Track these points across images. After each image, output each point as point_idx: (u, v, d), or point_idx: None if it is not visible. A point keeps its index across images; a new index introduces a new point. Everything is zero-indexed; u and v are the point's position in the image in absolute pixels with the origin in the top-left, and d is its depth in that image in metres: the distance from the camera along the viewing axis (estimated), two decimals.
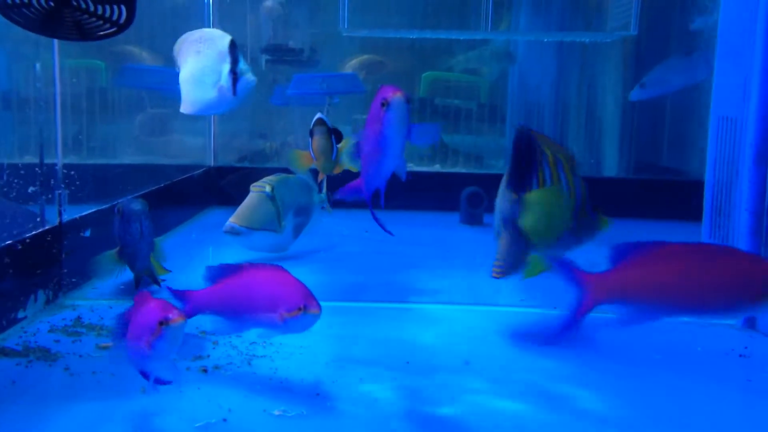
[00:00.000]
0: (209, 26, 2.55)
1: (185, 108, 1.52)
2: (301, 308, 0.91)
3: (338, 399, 0.98)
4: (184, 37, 1.53)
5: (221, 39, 1.48)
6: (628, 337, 1.27)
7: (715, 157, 1.49)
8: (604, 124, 2.77)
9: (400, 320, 1.34)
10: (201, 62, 1.47)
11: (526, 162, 1.20)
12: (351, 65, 2.87)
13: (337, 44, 2.76)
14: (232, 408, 0.93)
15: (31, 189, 1.37)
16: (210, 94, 1.47)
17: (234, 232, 1.68)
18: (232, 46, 1.44)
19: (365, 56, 2.88)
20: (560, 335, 1.10)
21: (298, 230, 1.81)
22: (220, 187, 2.46)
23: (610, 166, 2.77)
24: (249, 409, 0.94)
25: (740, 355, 1.19)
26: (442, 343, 1.21)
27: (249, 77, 1.44)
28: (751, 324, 1.32)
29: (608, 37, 2.45)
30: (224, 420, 0.90)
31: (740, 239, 1.34)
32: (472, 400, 0.99)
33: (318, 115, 1.63)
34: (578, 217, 1.20)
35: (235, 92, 1.44)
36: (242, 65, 1.45)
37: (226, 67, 1.45)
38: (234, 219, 1.70)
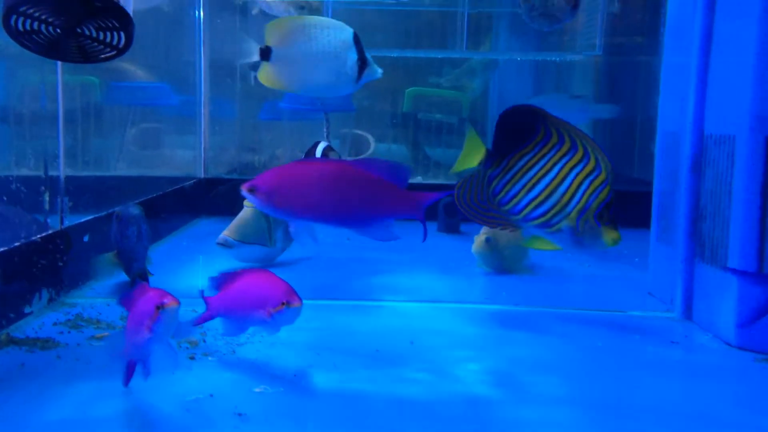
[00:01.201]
0: (200, 43, 2.68)
1: (294, 87, 1.63)
2: (284, 303, 1.05)
3: (313, 380, 1.11)
4: (282, 20, 1.64)
5: (343, 30, 1.60)
6: (574, 329, 1.40)
7: (661, 167, 1.64)
8: None
9: (374, 316, 1.47)
10: (322, 47, 1.58)
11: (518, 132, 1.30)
12: None
13: None
14: (218, 386, 1.06)
15: (36, 198, 1.50)
16: (330, 77, 1.59)
17: (227, 245, 1.81)
18: (357, 37, 1.57)
19: None
20: None
21: (286, 243, 1.93)
22: (210, 198, 2.59)
23: None
24: (233, 387, 1.07)
25: (672, 342, 1.33)
26: (410, 335, 1.34)
27: (376, 68, 1.58)
28: (688, 316, 1.46)
29: (576, 56, 2.62)
30: (211, 395, 1.03)
31: (679, 241, 1.48)
32: (431, 383, 1.12)
33: (322, 145, 1.76)
34: (582, 219, 1.26)
35: (359, 79, 1.57)
36: (369, 56, 1.57)
37: (353, 56, 1.57)
38: (227, 232, 1.83)
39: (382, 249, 2.16)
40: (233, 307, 1.12)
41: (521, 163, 1.32)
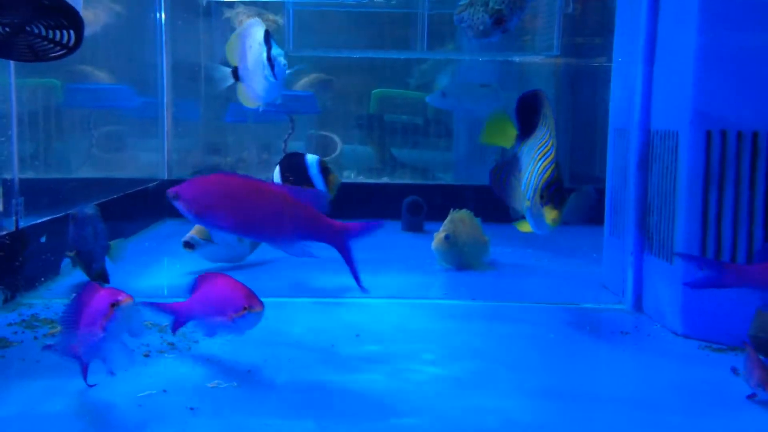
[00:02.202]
0: (162, 45, 2.67)
1: (249, 103, 1.61)
2: (246, 308, 1.06)
3: (268, 373, 1.12)
4: (235, 34, 1.63)
5: (258, 31, 1.58)
6: (528, 322, 1.44)
7: (612, 163, 1.69)
8: None
9: (333, 312, 1.49)
10: (251, 56, 1.57)
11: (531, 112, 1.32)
12: (301, 84, 3.01)
13: (292, 62, 2.92)
14: (172, 381, 1.07)
15: None
16: (262, 84, 1.57)
17: (193, 242, 1.81)
18: (267, 35, 1.55)
19: (315, 75, 3.03)
20: None
21: (255, 244, 1.92)
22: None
23: None
24: (187, 383, 1.07)
25: (621, 332, 1.37)
26: (365, 329, 1.36)
27: (281, 60, 1.55)
28: (638, 307, 1.50)
29: (535, 57, 2.67)
30: (164, 391, 1.03)
31: (629, 234, 1.53)
32: (383, 374, 1.14)
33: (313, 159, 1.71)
34: (534, 199, 1.25)
35: (275, 77, 1.55)
36: (275, 50, 1.54)
37: (264, 56, 1.55)
38: (194, 231, 1.82)
39: None
40: (198, 313, 1.13)
41: (531, 143, 1.34)
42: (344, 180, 3.02)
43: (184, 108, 2.86)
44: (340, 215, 2.29)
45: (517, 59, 2.73)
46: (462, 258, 1.90)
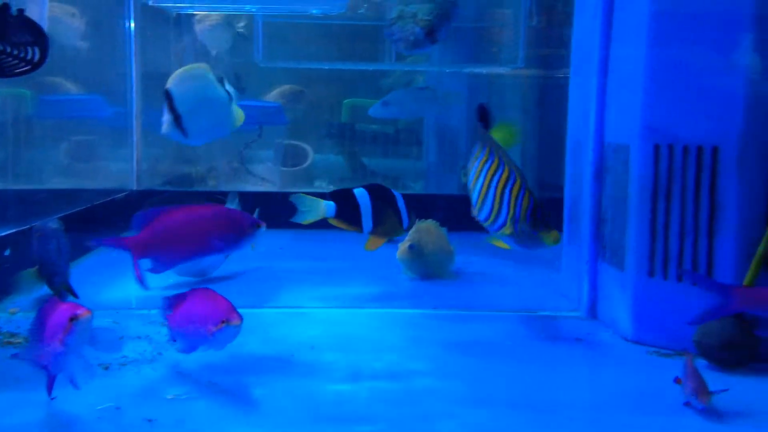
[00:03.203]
0: (131, 56, 2.67)
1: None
2: (224, 321, 1.08)
3: (227, 384, 1.15)
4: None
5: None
6: (486, 329, 1.48)
7: (570, 174, 1.74)
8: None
9: (297, 323, 1.51)
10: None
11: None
12: (272, 95, 3.03)
13: (261, 73, 2.94)
14: (131, 394, 1.09)
15: None
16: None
17: None
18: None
19: (286, 86, 3.06)
20: None
21: (221, 258, 1.93)
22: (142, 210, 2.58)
23: None
24: (146, 395, 1.09)
25: (576, 339, 1.41)
26: (324, 339, 1.38)
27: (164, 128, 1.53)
28: (593, 314, 1.55)
29: (501, 68, 2.73)
30: (123, 403, 1.05)
31: (584, 244, 1.58)
32: (340, 382, 1.17)
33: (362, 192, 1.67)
34: (518, 228, 1.30)
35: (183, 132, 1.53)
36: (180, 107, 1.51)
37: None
38: None
39: (316, 258, 2.21)
40: (181, 327, 1.16)
41: (473, 165, 1.38)
42: (315, 189, 3.06)
43: (156, 117, 2.86)
44: (309, 225, 2.30)
45: (483, 71, 2.78)
46: (427, 268, 1.94)
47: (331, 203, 1.48)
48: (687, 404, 1.06)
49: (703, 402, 1.02)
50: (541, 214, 1.29)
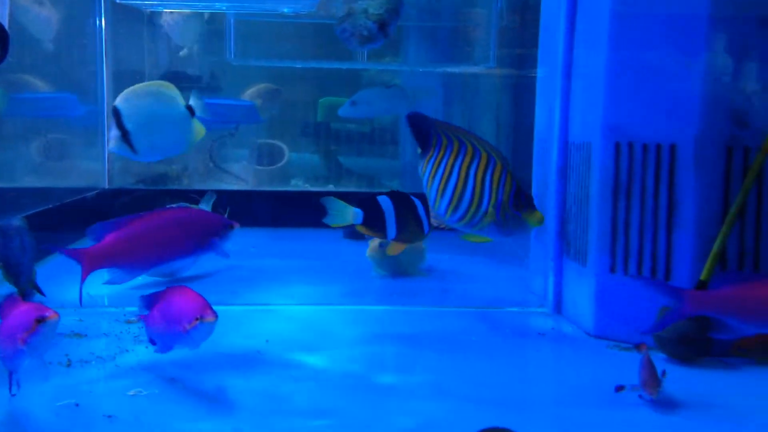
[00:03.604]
0: (102, 52, 2.65)
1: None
2: (198, 318, 1.08)
3: (190, 381, 1.15)
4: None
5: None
6: (452, 325, 1.49)
7: (537, 172, 1.76)
8: None
9: (264, 320, 1.51)
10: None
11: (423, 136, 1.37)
12: (248, 94, 3.02)
13: (237, 71, 2.93)
14: (92, 390, 1.08)
15: None
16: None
17: None
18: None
19: (262, 85, 3.05)
20: None
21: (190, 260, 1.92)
22: (113, 208, 2.57)
23: None
24: (107, 391, 1.09)
25: (539, 334, 1.43)
26: (292, 336, 1.39)
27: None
28: (557, 310, 1.58)
29: (474, 68, 2.75)
30: (82, 400, 1.05)
31: (550, 239, 1.60)
32: (300, 379, 1.18)
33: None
34: (501, 212, 1.30)
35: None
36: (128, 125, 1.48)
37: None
38: None
39: (289, 257, 2.21)
40: (157, 326, 1.15)
41: (428, 170, 1.38)
42: (291, 188, 3.06)
43: None
44: (284, 224, 2.27)
45: (457, 71, 2.80)
46: (398, 265, 1.95)
47: (359, 210, 1.51)
48: (619, 389, 1.09)
49: (651, 394, 1.05)
50: (524, 195, 1.30)
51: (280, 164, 3.06)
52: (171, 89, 1.50)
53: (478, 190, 1.31)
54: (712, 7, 1.30)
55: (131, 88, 1.52)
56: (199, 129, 1.50)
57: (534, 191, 1.78)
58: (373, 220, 1.53)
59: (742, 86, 1.32)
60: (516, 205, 1.29)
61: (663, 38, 1.35)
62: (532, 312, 1.60)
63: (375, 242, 1.92)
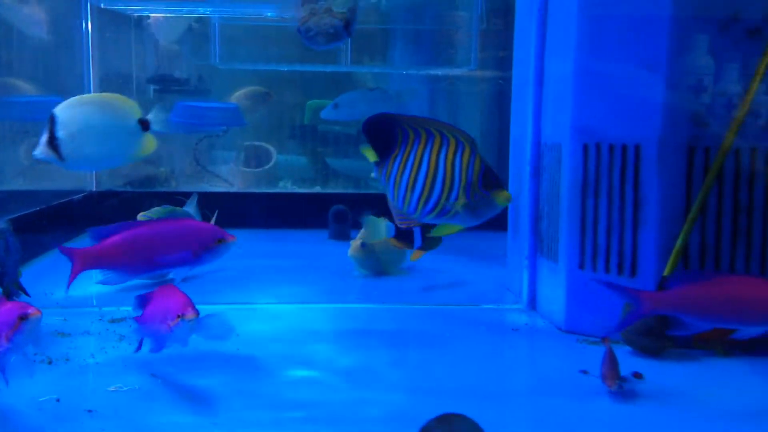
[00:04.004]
0: (89, 55, 2.68)
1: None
2: (179, 316, 1.11)
3: (171, 377, 1.19)
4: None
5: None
6: (428, 322, 1.54)
7: (513, 172, 1.81)
8: None
9: (246, 318, 1.55)
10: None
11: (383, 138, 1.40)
12: (236, 97, 3.06)
13: (225, 74, 2.96)
14: (73, 386, 1.12)
15: None
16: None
17: None
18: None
19: (251, 88, 3.08)
20: None
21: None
22: (101, 210, 2.60)
23: None
24: (88, 387, 1.13)
25: (513, 329, 1.48)
26: (272, 334, 1.43)
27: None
28: (532, 306, 1.62)
29: (455, 70, 2.80)
30: (63, 395, 1.09)
31: (525, 237, 1.64)
32: (278, 375, 1.22)
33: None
34: (471, 194, 1.32)
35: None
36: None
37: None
38: None
39: (272, 257, 2.25)
40: (147, 326, 1.19)
41: (395, 168, 1.42)
42: (280, 190, 3.10)
43: None
44: (271, 225, 2.30)
45: (439, 73, 2.85)
46: (379, 265, 1.99)
47: (392, 225, 1.63)
48: (583, 371, 1.13)
49: (610, 386, 1.09)
50: (493, 175, 1.33)
51: (267, 166, 3.10)
52: (121, 101, 1.49)
53: (449, 174, 1.33)
54: (674, 10, 1.35)
55: (78, 96, 1.52)
56: (148, 143, 1.48)
57: (511, 190, 1.82)
58: (403, 233, 1.67)
59: (703, 88, 1.37)
60: (485, 185, 1.32)
61: (627, 43, 1.39)
62: (508, 309, 1.64)
63: (357, 242, 1.96)
